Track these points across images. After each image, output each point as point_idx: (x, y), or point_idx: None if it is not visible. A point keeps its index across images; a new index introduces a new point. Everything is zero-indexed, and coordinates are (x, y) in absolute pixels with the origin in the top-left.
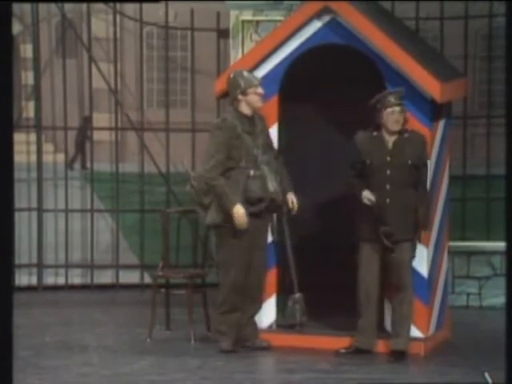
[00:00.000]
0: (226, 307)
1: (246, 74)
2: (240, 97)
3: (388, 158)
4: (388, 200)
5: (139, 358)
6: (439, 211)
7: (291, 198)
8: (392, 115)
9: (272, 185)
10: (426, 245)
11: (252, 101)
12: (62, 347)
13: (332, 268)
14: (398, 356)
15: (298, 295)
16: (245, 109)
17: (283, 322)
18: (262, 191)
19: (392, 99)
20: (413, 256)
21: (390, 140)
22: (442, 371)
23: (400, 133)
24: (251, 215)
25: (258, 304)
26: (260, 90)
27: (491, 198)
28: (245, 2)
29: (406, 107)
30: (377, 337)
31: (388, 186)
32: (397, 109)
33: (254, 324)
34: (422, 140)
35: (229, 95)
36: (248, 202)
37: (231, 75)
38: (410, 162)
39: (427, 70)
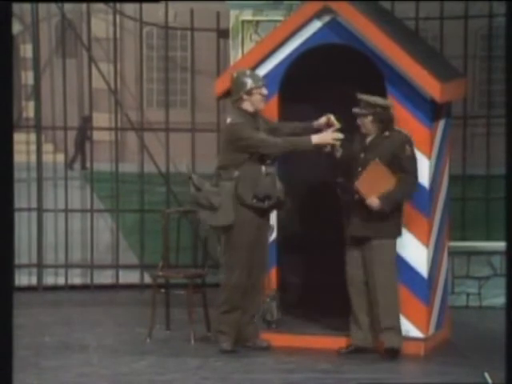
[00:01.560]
0: (227, 307)
1: (250, 73)
2: (245, 96)
3: (361, 155)
4: (356, 196)
5: (139, 358)
6: (439, 211)
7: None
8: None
9: (279, 183)
10: (426, 244)
11: (256, 101)
12: (62, 347)
13: (332, 268)
14: (392, 354)
15: (275, 292)
16: (249, 107)
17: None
18: (272, 189)
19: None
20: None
21: (369, 139)
22: (442, 371)
23: (382, 131)
24: (257, 212)
25: (258, 304)
26: (264, 91)
27: (491, 197)
28: (245, 1)
29: (369, 113)
30: (372, 334)
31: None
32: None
33: (255, 324)
34: (403, 139)
35: (232, 94)
36: (259, 199)
37: (235, 75)
38: (377, 160)
39: (427, 69)
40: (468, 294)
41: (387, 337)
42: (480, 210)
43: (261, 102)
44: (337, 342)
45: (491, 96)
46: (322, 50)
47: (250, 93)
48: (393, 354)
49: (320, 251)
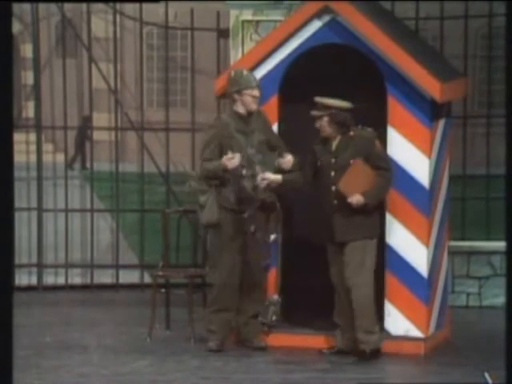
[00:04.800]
0: (216, 306)
1: (245, 73)
2: (236, 96)
3: (332, 160)
4: (335, 201)
5: (139, 358)
6: (439, 211)
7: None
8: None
9: (261, 185)
10: (426, 244)
11: (246, 102)
12: (62, 347)
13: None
14: (368, 356)
15: (276, 298)
16: (240, 108)
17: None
18: (252, 191)
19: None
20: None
21: (334, 142)
22: (442, 371)
23: (344, 133)
24: (240, 214)
25: (257, 304)
26: (255, 93)
27: (491, 197)
28: (245, 1)
29: (329, 113)
30: (352, 337)
31: (334, 188)
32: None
33: (254, 324)
34: (371, 136)
35: (226, 93)
36: (240, 202)
37: (232, 73)
38: (351, 161)
39: (427, 69)
40: (468, 294)
41: (363, 339)
42: (480, 210)
43: (252, 103)
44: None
45: (491, 96)
46: (322, 49)
47: (240, 93)
48: (369, 356)
49: (320, 251)
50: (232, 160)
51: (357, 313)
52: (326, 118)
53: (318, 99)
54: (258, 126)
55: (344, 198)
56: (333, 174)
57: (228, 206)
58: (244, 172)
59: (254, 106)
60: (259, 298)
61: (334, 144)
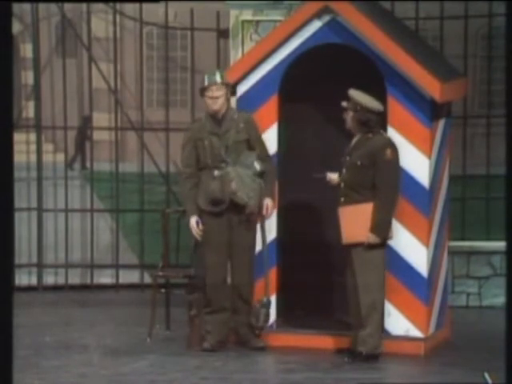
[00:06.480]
0: (211, 308)
1: (209, 74)
2: (203, 97)
3: (347, 158)
4: (342, 199)
5: (139, 358)
6: (439, 211)
7: (266, 204)
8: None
9: (231, 186)
10: (426, 245)
11: (207, 104)
12: (62, 347)
13: (332, 268)
14: (365, 359)
15: (266, 300)
16: (207, 109)
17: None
18: (220, 192)
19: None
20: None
21: (354, 140)
22: (442, 371)
23: (364, 133)
24: (215, 215)
25: (249, 304)
26: (213, 93)
27: (491, 197)
28: (245, 1)
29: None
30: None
31: (342, 185)
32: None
33: (251, 324)
34: (385, 143)
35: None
36: (211, 203)
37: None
38: (358, 162)
39: (427, 69)
40: (468, 294)
41: (363, 340)
42: (480, 210)
43: (211, 104)
44: (337, 342)
45: (491, 96)
46: (322, 50)
47: (202, 95)
48: (364, 358)
49: (320, 251)
50: (197, 234)
51: (363, 314)
52: (351, 113)
53: (351, 92)
54: (232, 128)
55: (352, 201)
56: (344, 171)
57: (201, 207)
58: (215, 173)
59: (214, 107)
60: (250, 298)
61: (353, 142)
